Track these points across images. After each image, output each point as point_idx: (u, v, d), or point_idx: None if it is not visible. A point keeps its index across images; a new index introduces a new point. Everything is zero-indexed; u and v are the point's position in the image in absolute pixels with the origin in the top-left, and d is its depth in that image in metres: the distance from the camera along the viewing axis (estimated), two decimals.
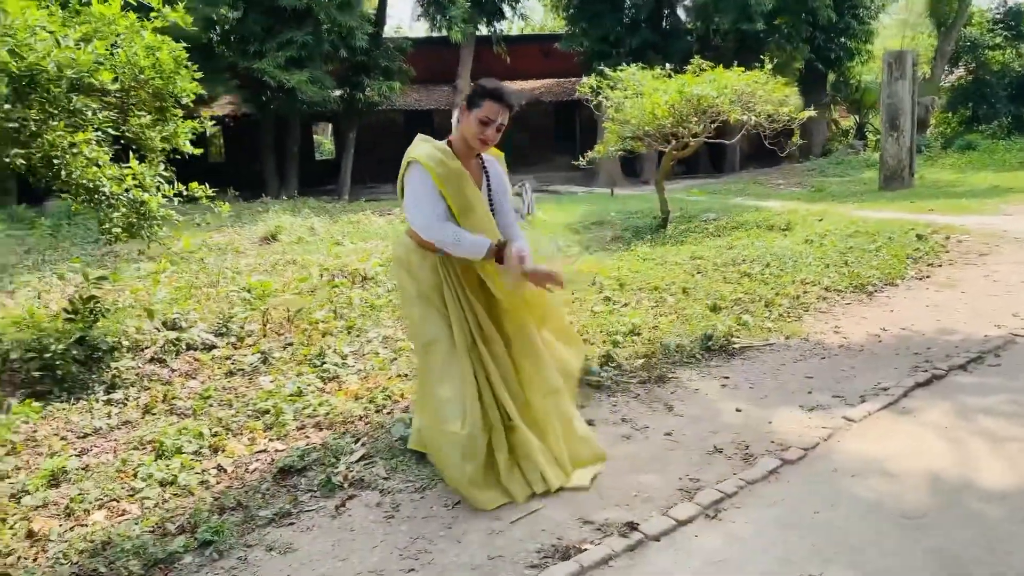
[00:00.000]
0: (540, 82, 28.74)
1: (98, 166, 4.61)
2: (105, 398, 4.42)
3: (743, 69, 10.15)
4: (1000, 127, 24.30)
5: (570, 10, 25.16)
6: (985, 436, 3.56)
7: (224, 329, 5.64)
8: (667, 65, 10.75)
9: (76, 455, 3.66)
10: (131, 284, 7.54)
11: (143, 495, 3.18)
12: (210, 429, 3.85)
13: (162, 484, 3.28)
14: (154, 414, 4.18)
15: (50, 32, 4.30)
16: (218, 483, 3.34)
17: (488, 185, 3.26)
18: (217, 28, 20.61)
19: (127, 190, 4.77)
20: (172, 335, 5.41)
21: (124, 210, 4.76)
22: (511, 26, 39.31)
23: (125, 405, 4.33)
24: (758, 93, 10.24)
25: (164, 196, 5.08)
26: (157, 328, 5.65)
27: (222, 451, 3.64)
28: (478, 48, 25.29)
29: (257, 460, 3.57)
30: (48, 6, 4.79)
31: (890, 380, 4.34)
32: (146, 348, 5.34)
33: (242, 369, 4.93)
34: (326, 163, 29.98)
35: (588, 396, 4.23)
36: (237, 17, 19.91)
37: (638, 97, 10.25)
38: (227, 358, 5.12)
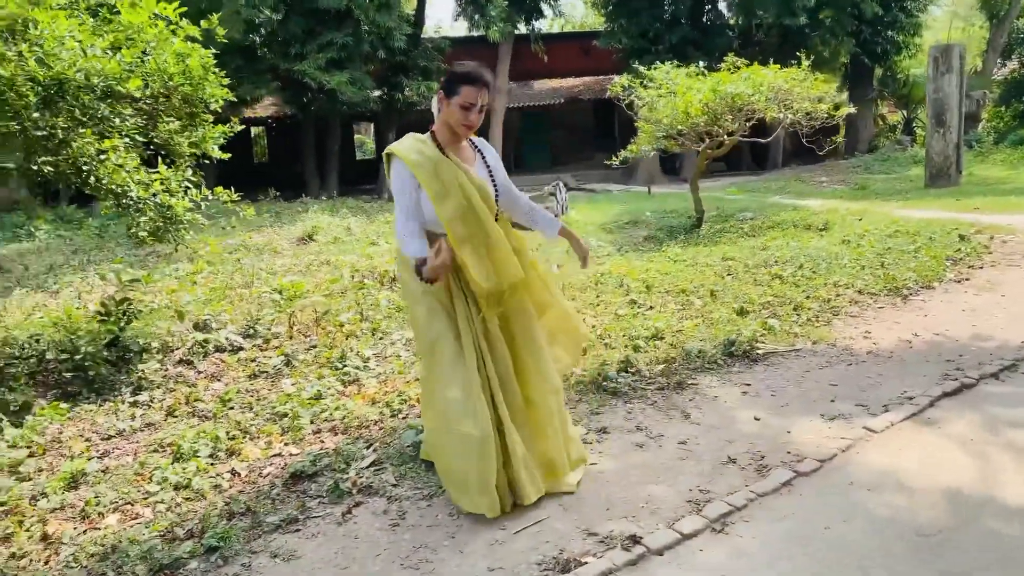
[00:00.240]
0: (579, 80, 28.63)
1: (126, 171, 4.70)
2: (131, 400, 4.52)
3: (779, 66, 9.96)
4: None
5: (609, 7, 24.98)
6: (1011, 449, 3.44)
7: (252, 331, 5.73)
8: (700, 63, 10.59)
9: (98, 457, 3.76)
10: (168, 285, 7.71)
11: (157, 499, 3.24)
12: (227, 432, 3.91)
13: (176, 488, 3.34)
14: (176, 416, 4.26)
15: (78, 41, 4.40)
16: (231, 487, 3.39)
17: (485, 163, 3.23)
18: (260, 31, 20.94)
19: (154, 195, 4.87)
20: (201, 337, 5.51)
21: (151, 214, 4.85)
22: (552, 24, 39.39)
23: (150, 407, 4.42)
24: (795, 90, 10.06)
25: (191, 200, 5.17)
26: (187, 330, 5.77)
27: (237, 455, 3.69)
28: (516, 47, 25.26)
29: (271, 464, 3.62)
30: (79, 15, 4.91)
31: (917, 389, 4.22)
32: (175, 350, 5.45)
33: (266, 371, 5.00)
34: (367, 163, 30.28)
35: (603, 402, 4.20)
36: (279, 20, 20.19)
37: (671, 96, 10.14)
38: (252, 360, 5.19)
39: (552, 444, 3.24)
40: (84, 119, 4.52)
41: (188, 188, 5.22)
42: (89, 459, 3.68)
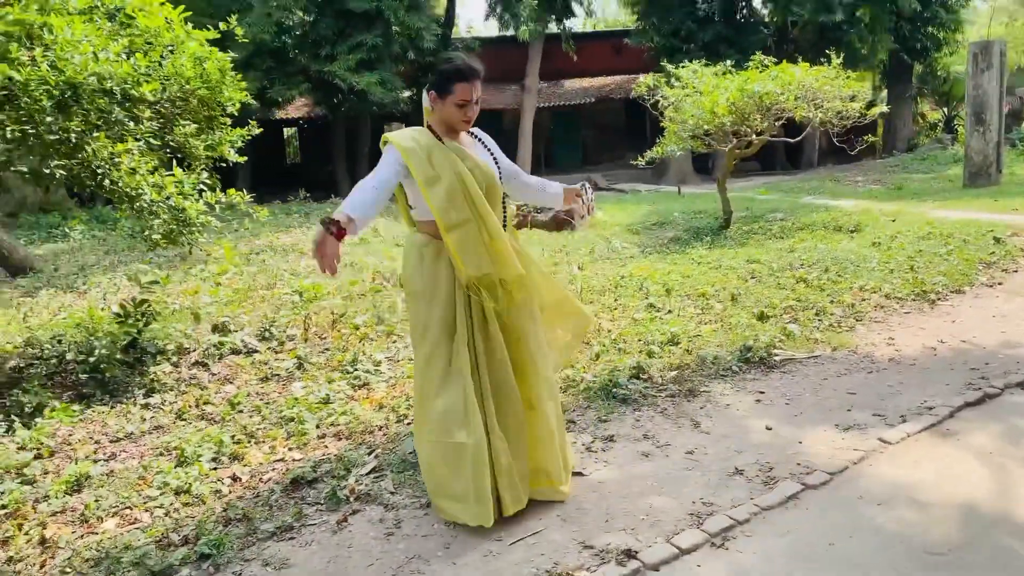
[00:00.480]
0: (610, 79, 28.44)
1: (139, 175, 4.73)
2: (143, 402, 4.54)
3: (808, 65, 9.76)
4: None
5: (640, 5, 24.78)
6: None
7: (268, 333, 5.74)
8: (728, 61, 10.42)
9: (104, 460, 3.78)
10: (189, 287, 7.79)
11: (156, 503, 3.25)
12: (233, 437, 3.91)
13: (177, 492, 3.34)
14: (185, 419, 4.28)
15: (92, 46, 4.43)
16: (231, 493, 3.38)
17: (487, 148, 3.19)
18: (291, 33, 21.15)
19: (168, 198, 4.90)
20: (216, 339, 5.54)
21: (165, 217, 4.89)
22: (586, 23, 39.22)
23: (160, 410, 4.44)
24: (826, 88, 9.86)
25: (205, 203, 5.20)
26: (205, 332, 5.81)
27: (241, 459, 3.69)
28: (547, 46, 25.21)
29: (273, 469, 3.60)
30: (96, 20, 4.96)
31: (938, 398, 4.08)
32: (191, 352, 5.49)
33: (278, 374, 5.01)
34: None
35: (612, 409, 4.12)
36: (310, 21, 20.38)
37: (698, 95, 10.00)
38: (265, 363, 5.20)
39: (548, 451, 3.14)
40: (98, 123, 4.56)
41: (203, 191, 5.24)
42: (95, 462, 3.71)
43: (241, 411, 4.36)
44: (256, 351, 5.47)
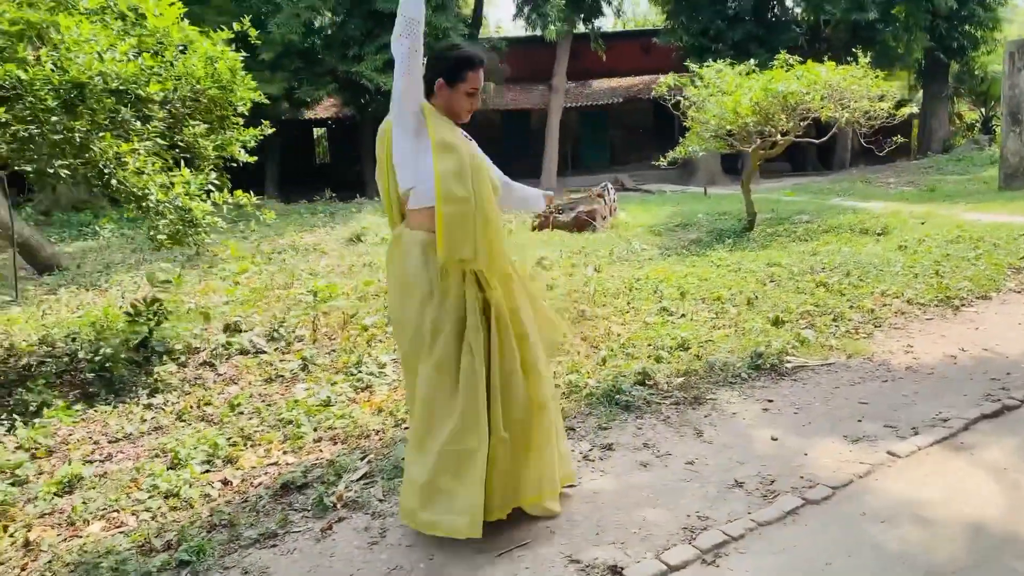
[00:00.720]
0: (638, 79, 28.21)
1: (145, 175, 4.74)
2: (146, 402, 4.54)
3: (834, 64, 9.56)
4: None
5: (669, 4, 24.55)
6: None
7: (277, 334, 5.73)
8: (752, 61, 10.23)
9: (100, 461, 3.77)
10: (202, 286, 7.82)
11: (145, 507, 3.22)
12: (229, 439, 3.88)
13: (166, 496, 3.32)
14: (185, 421, 4.26)
15: (97, 45, 4.44)
16: (220, 497, 3.34)
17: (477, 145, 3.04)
18: (320, 34, 21.29)
19: (174, 198, 4.89)
20: (223, 339, 5.54)
21: (171, 217, 4.89)
22: (617, 23, 39.00)
23: (162, 410, 4.44)
24: (853, 88, 9.64)
25: (213, 203, 5.19)
26: (215, 332, 5.81)
27: (235, 463, 3.66)
28: (575, 46, 25.09)
29: (266, 473, 3.56)
30: (106, 20, 4.97)
31: (954, 409, 3.92)
32: (199, 352, 5.49)
33: (282, 376, 4.98)
34: None
35: (613, 416, 4.03)
36: (338, 22, 20.48)
37: (721, 95, 9.84)
38: (271, 364, 5.18)
39: (547, 459, 2.99)
40: (105, 123, 4.56)
41: (211, 191, 5.24)
42: (91, 463, 3.70)
43: (241, 413, 4.33)
44: (263, 352, 5.46)
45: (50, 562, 2.81)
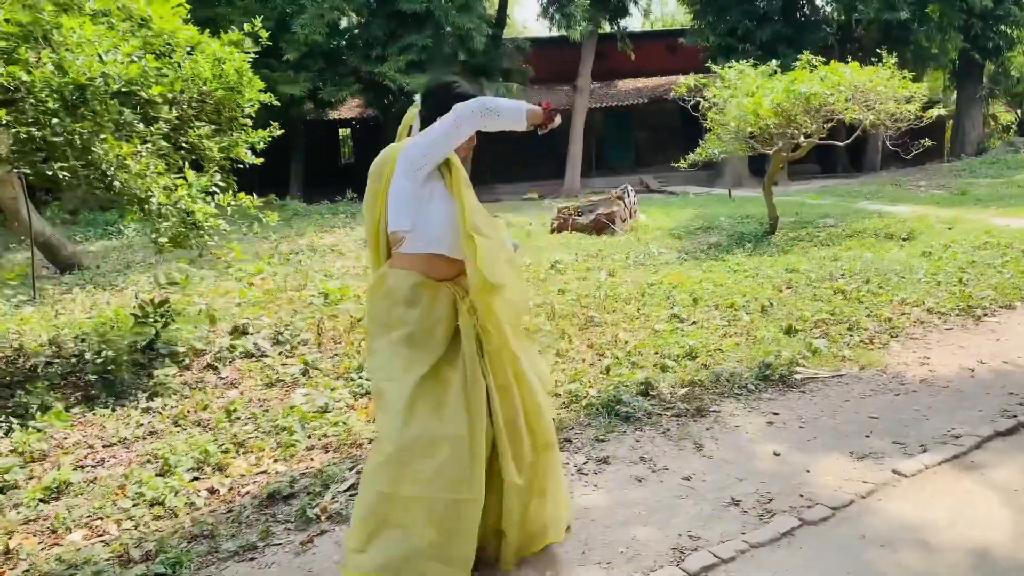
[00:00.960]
0: (664, 79, 27.91)
1: (147, 176, 4.72)
2: (144, 406, 4.52)
3: (859, 64, 9.34)
4: None
5: (696, 4, 24.28)
6: None
7: (285, 337, 5.69)
8: (774, 61, 10.04)
9: (92, 466, 3.75)
10: (222, 287, 7.83)
11: (129, 515, 3.18)
12: (221, 446, 3.84)
13: (151, 504, 3.28)
14: (180, 426, 4.23)
15: (99, 46, 4.42)
16: (206, 506, 3.30)
17: None
18: (344, 34, 21.38)
19: (177, 201, 4.88)
20: (228, 342, 5.52)
21: (173, 220, 4.87)
22: (645, 23, 38.75)
23: (159, 414, 4.41)
24: (879, 89, 9.42)
25: (216, 205, 5.17)
26: (222, 334, 5.79)
27: (224, 470, 3.61)
28: (600, 46, 24.93)
29: (255, 482, 3.51)
30: (110, 22, 4.96)
31: (967, 426, 3.77)
32: (204, 354, 5.47)
33: (283, 380, 4.94)
34: None
35: (612, 428, 3.92)
36: (362, 22, 20.54)
37: (743, 97, 9.66)
38: (273, 368, 5.15)
39: (561, 501, 2.82)
40: (108, 124, 4.55)
41: (215, 193, 5.21)
42: (82, 468, 3.68)
43: (237, 418, 4.29)
44: (267, 355, 5.42)
45: (27, 571, 2.78)
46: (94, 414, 4.41)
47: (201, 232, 5.01)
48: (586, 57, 24.18)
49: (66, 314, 7.02)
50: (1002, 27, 22.83)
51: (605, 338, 5.45)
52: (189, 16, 5.32)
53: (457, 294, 2.57)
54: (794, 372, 4.62)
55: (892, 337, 5.29)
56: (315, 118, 23.99)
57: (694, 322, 5.81)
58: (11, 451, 3.81)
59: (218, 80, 5.37)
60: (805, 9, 24.41)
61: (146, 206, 4.80)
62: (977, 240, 8.56)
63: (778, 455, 3.59)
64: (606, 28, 24.83)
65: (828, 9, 25.05)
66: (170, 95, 5.02)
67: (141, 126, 4.78)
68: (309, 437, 3.97)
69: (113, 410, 4.47)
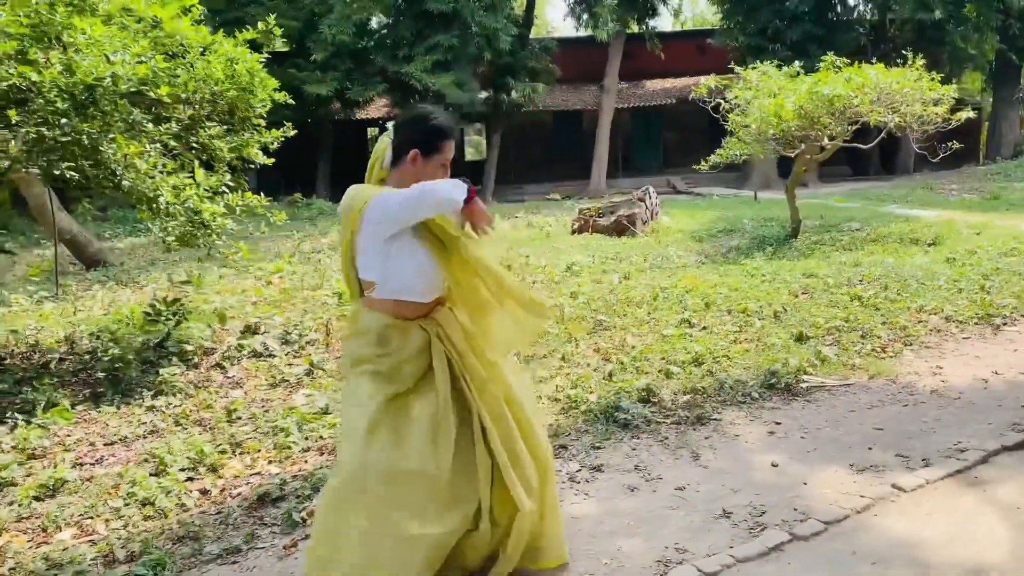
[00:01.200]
0: (693, 79, 27.59)
1: (154, 176, 4.77)
2: (148, 404, 4.56)
3: (883, 65, 9.16)
4: None
5: (726, 4, 24.02)
6: None
7: (294, 336, 5.72)
8: (798, 63, 9.88)
9: (91, 464, 3.79)
10: (240, 285, 7.90)
11: (119, 515, 3.20)
12: (218, 446, 3.85)
13: (142, 504, 3.30)
14: (181, 425, 4.26)
15: (107, 47, 4.47)
16: (196, 507, 3.31)
17: None
18: (371, 35, 21.49)
19: (185, 200, 4.92)
20: (236, 341, 5.56)
21: (181, 219, 4.91)
22: (675, 23, 38.47)
23: (162, 413, 4.44)
24: (905, 91, 9.22)
25: (225, 205, 5.20)
26: (234, 332, 5.84)
27: (218, 471, 3.62)
28: (628, 46, 24.78)
29: (247, 484, 3.52)
30: (122, 23, 5.02)
31: (975, 439, 3.66)
32: (213, 353, 5.51)
33: (287, 380, 4.96)
34: (475, 164, 30.47)
35: (609, 435, 3.87)
36: (388, 23, 20.64)
37: (765, 98, 9.52)
38: (279, 368, 5.17)
39: (559, 521, 2.70)
40: (115, 124, 4.60)
41: (223, 192, 5.25)
42: (81, 466, 3.72)
43: (237, 418, 4.31)
44: (274, 355, 5.45)
45: (12, 569, 2.81)
46: (99, 411, 4.45)
47: (209, 231, 5.05)
48: (613, 57, 24.05)
49: (85, 311, 7.13)
50: None
51: (613, 342, 5.40)
52: (208, 15, 5.36)
53: (430, 329, 2.50)
54: (800, 380, 4.53)
55: (906, 346, 5.18)
56: (343, 118, 24.11)
57: (704, 327, 5.72)
58: (12, 447, 3.86)
59: (230, 80, 5.40)
60: (837, 9, 24.02)
61: (154, 205, 4.85)
62: (1004, 246, 8.36)
63: (776, 466, 3.52)
64: (634, 28, 24.66)
65: (861, 9, 24.69)
66: (182, 95, 5.07)
67: (151, 126, 4.83)
68: (306, 439, 3.97)
69: (118, 408, 4.51)
